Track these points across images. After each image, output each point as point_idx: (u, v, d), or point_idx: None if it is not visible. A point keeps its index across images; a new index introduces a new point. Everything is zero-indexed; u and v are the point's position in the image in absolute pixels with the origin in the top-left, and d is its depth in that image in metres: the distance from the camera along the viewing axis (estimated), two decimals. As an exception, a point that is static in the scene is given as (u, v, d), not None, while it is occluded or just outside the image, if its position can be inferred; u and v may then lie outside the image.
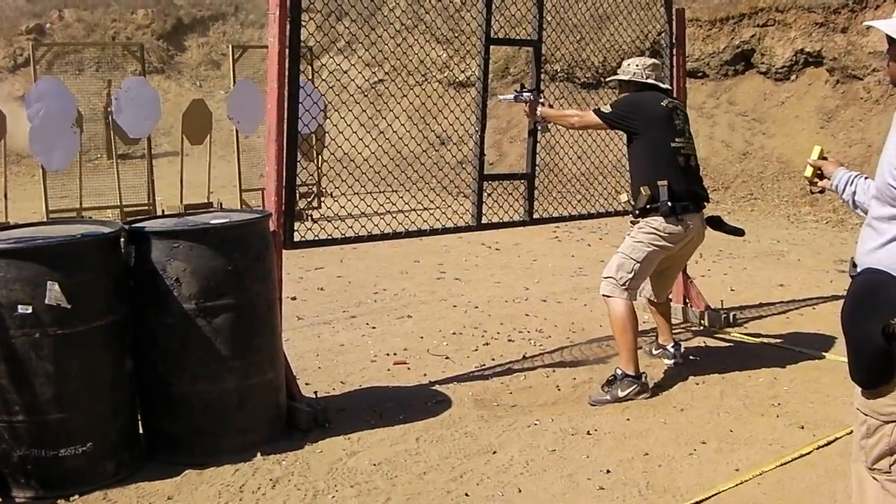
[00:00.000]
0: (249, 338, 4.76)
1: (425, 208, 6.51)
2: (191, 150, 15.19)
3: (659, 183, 5.52)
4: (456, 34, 7.28)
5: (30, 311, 4.22)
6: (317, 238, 5.66)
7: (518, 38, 6.82)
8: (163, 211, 12.33)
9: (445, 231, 6.26)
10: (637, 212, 5.64)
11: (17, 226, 5.38)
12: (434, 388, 5.78)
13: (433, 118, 6.70)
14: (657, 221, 5.55)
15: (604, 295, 5.65)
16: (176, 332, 4.62)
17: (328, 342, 6.92)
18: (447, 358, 6.43)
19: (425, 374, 6.06)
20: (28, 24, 25.24)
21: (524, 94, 6.24)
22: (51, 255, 4.31)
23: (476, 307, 7.90)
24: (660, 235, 5.57)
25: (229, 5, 27.36)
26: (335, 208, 11.14)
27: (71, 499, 4.33)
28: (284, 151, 5.23)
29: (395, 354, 6.52)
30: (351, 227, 5.86)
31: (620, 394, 5.44)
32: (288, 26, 5.16)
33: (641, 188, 5.59)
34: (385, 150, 6.37)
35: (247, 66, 14.63)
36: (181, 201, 13.23)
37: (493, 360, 6.38)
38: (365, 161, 6.56)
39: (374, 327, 7.33)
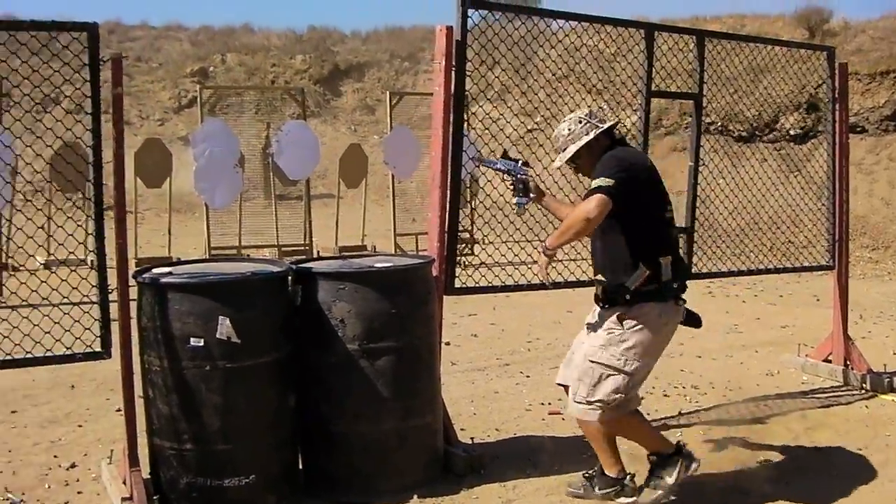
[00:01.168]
0: (410, 381, 4.82)
1: (580, 258, 6.48)
2: (344, 194, 15.55)
3: (662, 260, 4.40)
4: (607, 85, 7.25)
5: (202, 343, 4.37)
6: (477, 285, 5.69)
7: (672, 90, 6.73)
8: (317, 252, 12.61)
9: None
10: (628, 296, 4.39)
11: (186, 262, 5.60)
12: (588, 439, 5.71)
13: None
14: (656, 309, 4.41)
15: (596, 420, 4.57)
16: (339, 371, 4.70)
17: (482, 388, 6.94)
18: (600, 410, 6.35)
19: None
20: (193, 66, 26.39)
21: (500, 163, 5.02)
22: (223, 291, 4.47)
23: (629, 360, 7.79)
24: (660, 326, 4.47)
25: (384, 52, 28.06)
26: (485, 255, 11.28)
27: (232, 529, 4.44)
28: (448, 198, 5.30)
29: (549, 404, 6.47)
30: (509, 275, 5.86)
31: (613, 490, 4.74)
32: (453, 76, 5.24)
33: (641, 264, 4.35)
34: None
35: (400, 113, 14.90)
36: (336, 243, 13.53)
37: (648, 414, 6.23)
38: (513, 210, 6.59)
39: (527, 376, 7.32)
